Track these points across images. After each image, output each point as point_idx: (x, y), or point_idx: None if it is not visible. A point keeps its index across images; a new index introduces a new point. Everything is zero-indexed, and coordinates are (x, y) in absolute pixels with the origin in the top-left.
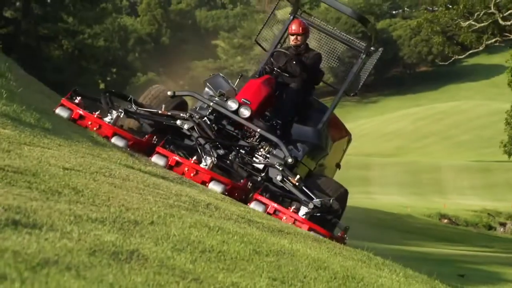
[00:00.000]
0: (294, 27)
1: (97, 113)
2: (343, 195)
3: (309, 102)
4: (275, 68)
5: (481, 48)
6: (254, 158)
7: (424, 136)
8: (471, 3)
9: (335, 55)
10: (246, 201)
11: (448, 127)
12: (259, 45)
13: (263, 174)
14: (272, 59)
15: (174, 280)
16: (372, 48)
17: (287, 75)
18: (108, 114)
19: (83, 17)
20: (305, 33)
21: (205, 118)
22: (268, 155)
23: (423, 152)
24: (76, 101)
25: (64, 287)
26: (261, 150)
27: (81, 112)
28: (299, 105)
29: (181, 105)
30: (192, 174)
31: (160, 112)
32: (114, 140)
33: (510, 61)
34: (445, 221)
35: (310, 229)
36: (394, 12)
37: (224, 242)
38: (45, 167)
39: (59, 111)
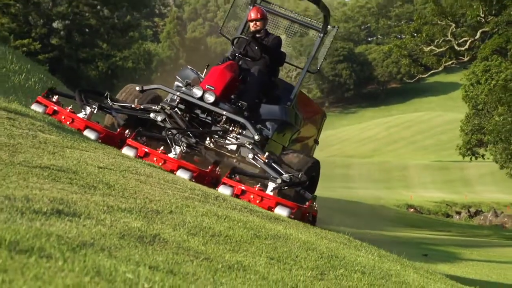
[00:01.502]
0: (252, 14)
1: (69, 108)
2: (314, 166)
3: (275, 83)
4: (237, 54)
5: (440, 69)
6: (226, 141)
7: (395, 140)
8: (432, 32)
9: (295, 37)
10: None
11: (414, 133)
12: (224, 36)
13: (237, 154)
14: (234, 46)
15: (189, 259)
16: (328, 27)
17: (249, 59)
18: (82, 110)
19: (115, 43)
20: (263, 18)
21: (176, 109)
22: (238, 136)
23: (393, 154)
24: (54, 99)
25: (99, 265)
26: (233, 132)
27: (55, 107)
28: (264, 86)
29: (156, 100)
30: (160, 164)
31: (133, 106)
32: (86, 132)
33: (463, 79)
34: (412, 210)
35: (277, 204)
36: (369, 39)
37: (230, 228)
38: (83, 166)
39: (34, 107)
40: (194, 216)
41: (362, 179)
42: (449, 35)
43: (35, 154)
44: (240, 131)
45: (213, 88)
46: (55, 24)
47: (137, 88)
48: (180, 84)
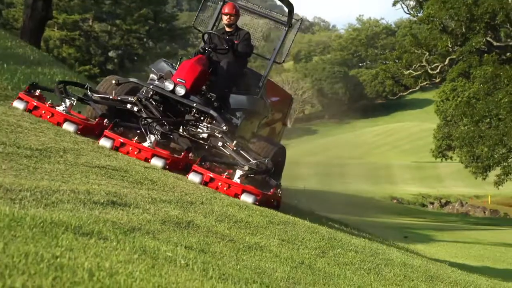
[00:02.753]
0: (227, 9)
1: (48, 102)
2: (279, 151)
3: (245, 74)
4: (207, 48)
5: (417, 88)
6: (198, 129)
7: (381, 145)
8: (410, 59)
9: (262, 31)
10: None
11: (396, 139)
12: (197, 29)
13: (208, 142)
14: (204, 40)
15: (217, 240)
16: (293, 20)
17: (219, 53)
18: (62, 103)
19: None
20: (236, 14)
21: (151, 99)
22: (209, 125)
23: (380, 156)
24: (36, 93)
25: (145, 245)
26: (204, 121)
27: (34, 103)
28: (233, 77)
29: (133, 90)
30: (135, 153)
31: (111, 97)
32: (65, 125)
33: (436, 96)
34: (395, 201)
35: (243, 191)
36: (360, 64)
37: (249, 215)
38: (132, 166)
39: (16, 103)
40: (221, 206)
41: (355, 176)
42: (423, 61)
43: (94, 156)
44: (210, 120)
45: (183, 82)
46: (110, 53)
47: (113, 82)
48: (155, 77)
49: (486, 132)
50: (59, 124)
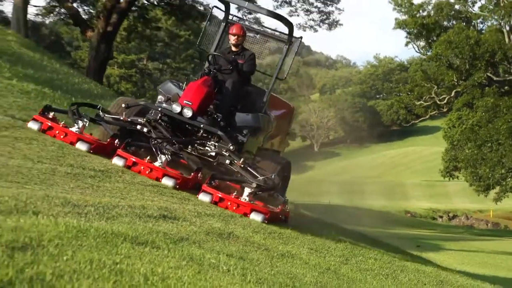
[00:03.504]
0: (235, 30)
1: (62, 123)
2: (285, 166)
3: (249, 92)
4: (212, 69)
5: (427, 117)
6: (207, 148)
7: (395, 166)
8: (421, 91)
9: (265, 49)
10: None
11: (409, 161)
12: (202, 50)
13: (216, 159)
14: (209, 61)
15: (254, 249)
16: (293, 39)
17: (224, 73)
18: (75, 124)
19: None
20: (243, 35)
21: (160, 120)
22: (216, 144)
23: (395, 175)
24: (50, 115)
25: (192, 253)
26: (211, 140)
27: (49, 123)
28: (238, 96)
29: (143, 111)
30: (147, 172)
31: (121, 118)
32: (78, 145)
33: (443, 124)
34: (408, 215)
35: (251, 210)
36: (377, 96)
37: (282, 227)
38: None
39: (30, 124)
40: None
41: (373, 193)
42: (432, 94)
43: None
44: (217, 139)
45: (190, 103)
46: None
47: (123, 105)
48: (162, 98)
49: (488, 155)
50: (72, 144)
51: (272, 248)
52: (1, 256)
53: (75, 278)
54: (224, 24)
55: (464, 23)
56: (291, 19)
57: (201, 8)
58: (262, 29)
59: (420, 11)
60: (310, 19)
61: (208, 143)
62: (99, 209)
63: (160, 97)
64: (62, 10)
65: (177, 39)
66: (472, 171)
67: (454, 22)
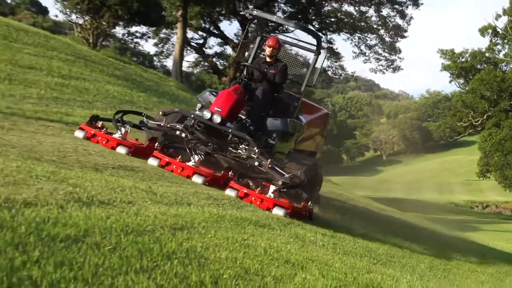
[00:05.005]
0: (271, 42)
1: (103, 130)
2: (312, 167)
3: (281, 98)
4: (243, 79)
5: (466, 134)
6: (239, 151)
7: (443, 170)
8: (461, 116)
9: (297, 59)
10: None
11: (453, 166)
12: (245, 65)
13: (248, 161)
14: (242, 71)
15: (342, 230)
16: (321, 50)
17: (256, 81)
18: (118, 131)
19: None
20: (278, 48)
21: (196, 126)
22: (246, 148)
23: (443, 177)
24: (99, 124)
25: (297, 233)
26: (242, 144)
27: (92, 131)
28: (268, 103)
29: (183, 119)
30: (179, 171)
31: (162, 124)
32: (118, 149)
33: (478, 139)
34: (453, 205)
35: (274, 205)
36: (428, 119)
37: (361, 216)
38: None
39: (77, 133)
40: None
41: (426, 190)
42: (470, 117)
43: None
44: (247, 143)
45: (220, 110)
46: None
47: (161, 112)
48: (199, 105)
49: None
50: (113, 148)
51: (354, 230)
52: (167, 234)
53: (216, 250)
54: (259, 38)
55: (492, 66)
56: (366, 65)
57: (301, 59)
58: (295, 41)
59: (460, 58)
60: (379, 65)
61: (240, 146)
62: (231, 201)
63: (198, 105)
64: (205, 63)
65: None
66: (500, 173)
67: (485, 66)
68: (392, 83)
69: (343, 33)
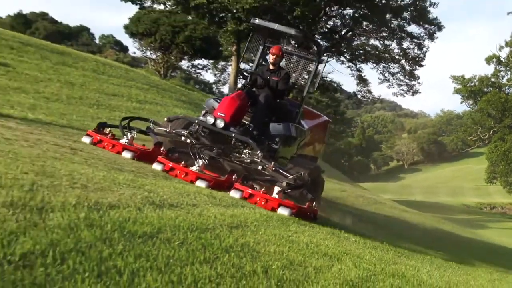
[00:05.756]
0: (274, 50)
1: (109, 135)
2: (314, 170)
3: (283, 104)
4: (245, 85)
5: (475, 146)
6: (243, 155)
7: (456, 177)
8: (470, 131)
9: (298, 67)
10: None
11: (464, 173)
12: (242, 72)
13: (252, 165)
14: (244, 78)
15: (373, 228)
16: (322, 58)
17: (259, 88)
18: (124, 136)
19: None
20: (281, 56)
21: (200, 132)
22: (249, 152)
23: (456, 182)
24: (106, 131)
25: (333, 230)
26: (246, 148)
27: (98, 137)
28: (270, 108)
29: (189, 125)
30: (182, 176)
31: (167, 130)
32: (124, 154)
33: (486, 150)
34: (465, 206)
35: (279, 205)
36: (443, 134)
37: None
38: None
39: (83, 139)
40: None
41: (442, 193)
42: (478, 132)
43: None
44: (250, 148)
45: (223, 115)
46: None
47: (165, 119)
48: (203, 112)
49: None
50: (119, 153)
51: (387, 227)
52: (225, 231)
53: (266, 244)
54: (262, 48)
55: (497, 89)
56: (389, 90)
57: (335, 84)
58: (296, 51)
59: (469, 82)
60: (401, 89)
61: (244, 151)
62: None
63: (203, 111)
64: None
65: (320, 103)
66: (504, 179)
67: (491, 89)
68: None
69: (370, 63)
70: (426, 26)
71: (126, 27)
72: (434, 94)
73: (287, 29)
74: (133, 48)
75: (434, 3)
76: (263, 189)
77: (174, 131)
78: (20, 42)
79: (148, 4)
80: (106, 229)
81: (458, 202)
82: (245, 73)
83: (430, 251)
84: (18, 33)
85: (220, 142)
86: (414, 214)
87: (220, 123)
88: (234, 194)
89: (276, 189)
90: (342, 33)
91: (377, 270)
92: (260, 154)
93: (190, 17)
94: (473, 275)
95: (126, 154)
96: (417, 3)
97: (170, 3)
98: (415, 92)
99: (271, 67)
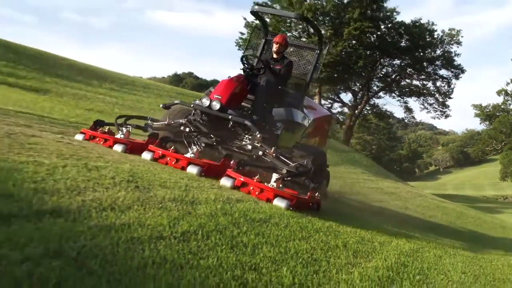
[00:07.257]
0: (278, 39)
1: (99, 129)
2: (319, 156)
3: (285, 91)
4: (245, 69)
5: (491, 154)
6: (243, 142)
7: (477, 177)
8: (488, 143)
9: (301, 57)
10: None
11: (484, 174)
12: (246, 57)
13: (253, 153)
14: (243, 62)
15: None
16: (323, 45)
17: (257, 70)
18: (119, 131)
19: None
20: (285, 44)
21: (199, 119)
22: (250, 137)
23: (478, 180)
24: (105, 129)
25: (361, 233)
26: (246, 134)
27: (90, 133)
28: (271, 93)
29: (188, 113)
30: (173, 162)
31: (166, 122)
32: (115, 147)
33: (500, 157)
34: (484, 197)
35: (275, 195)
36: (467, 145)
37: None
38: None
39: (77, 136)
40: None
41: (467, 188)
42: (493, 144)
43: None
44: (250, 133)
45: (219, 97)
46: None
47: (161, 105)
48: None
49: None
50: (111, 147)
51: (423, 214)
52: (315, 217)
53: (344, 226)
54: (264, 40)
55: (506, 113)
56: (427, 114)
57: (388, 113)
58: (298, 42)
59: (486, 109)
60: (436, 114)
61: (244, 137)
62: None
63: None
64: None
65: (378, 127)
66: None
67: (502, 113)
68: (444, 124)
69: (413, 97)
70: (453, 70)
71: None
72: (461, 117)
73: (287, 13)
74: None
75: (458, 54)
76: (257, 176)
77: (172, 122)
78: (176, 93)
79: None
80: (235, 216)
81: (480, 194)
82: (248, 60)
83: (460, 228)
84: (174, 87)
85: (219, 130)
86: (447, 203)
87: (216, 105)
88: (225, 182)
89: (274, 176)
90: (393, 77)
91: (424, 244)
92: (259, 136)
93: None
94: (493, 260)
95: (118, 147)
96: (445, 54)
97: None
98: (446, 116)
99: (274, 56)
